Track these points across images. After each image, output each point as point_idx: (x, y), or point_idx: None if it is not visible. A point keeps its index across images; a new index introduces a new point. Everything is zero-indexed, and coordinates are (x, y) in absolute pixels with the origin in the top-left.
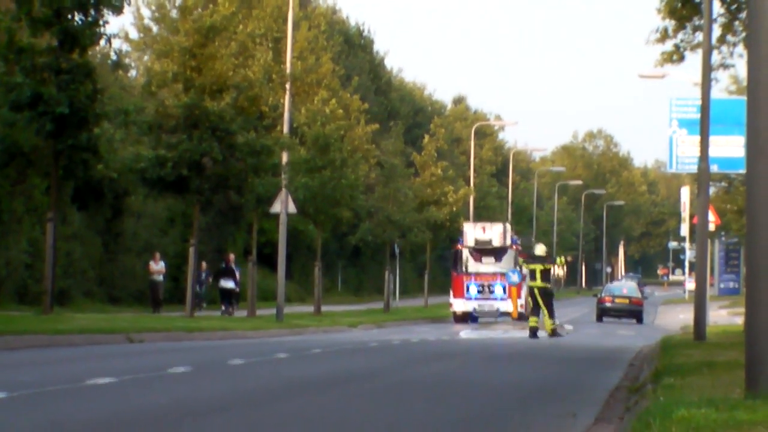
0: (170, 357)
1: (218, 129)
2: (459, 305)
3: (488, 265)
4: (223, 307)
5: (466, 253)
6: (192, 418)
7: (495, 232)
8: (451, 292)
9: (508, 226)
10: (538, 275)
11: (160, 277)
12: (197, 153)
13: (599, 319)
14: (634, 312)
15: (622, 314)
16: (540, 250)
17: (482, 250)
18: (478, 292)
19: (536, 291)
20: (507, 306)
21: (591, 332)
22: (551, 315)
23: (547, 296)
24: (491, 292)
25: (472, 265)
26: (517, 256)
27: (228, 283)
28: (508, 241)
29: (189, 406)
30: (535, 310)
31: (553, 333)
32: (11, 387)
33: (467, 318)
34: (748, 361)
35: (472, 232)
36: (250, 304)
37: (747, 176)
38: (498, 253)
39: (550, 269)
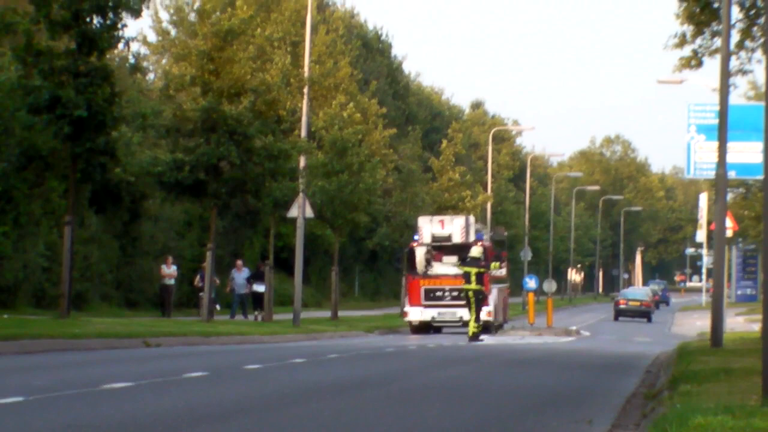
0: (187, 361)
1: (236, 133)
2: (415, 314)
3: (449, 265)
4: (255, 312)
5: (422, 252)
6: (208, 422)
7: (456, 227)
8: (406, 299)
9: (471, 219)
10: (473, 278)
11: (172, 281)
12: (215, 157)
13: (616, 318)
14: (644, 312)
15: (634, 314)
16: (476, 252)
17: (442, 248)
18: (438, 298)
19: (470, 294)
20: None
21: (608, 338)
22: (477, 319)
23: (480, 301)
24: (453, 298)
25: (430, 267)
26: (486, 254)
27: (260, 287)
28: (472, 237)
29: (205, 411)
30: (479, 313)
31: (474, 337)
32: (28, 391)
33: (427, 329)
34: (765, 368)
35: (429, 227)
36: (267, 309)
37: (765, 182)
38: (461, 251)
39: (485, 272)
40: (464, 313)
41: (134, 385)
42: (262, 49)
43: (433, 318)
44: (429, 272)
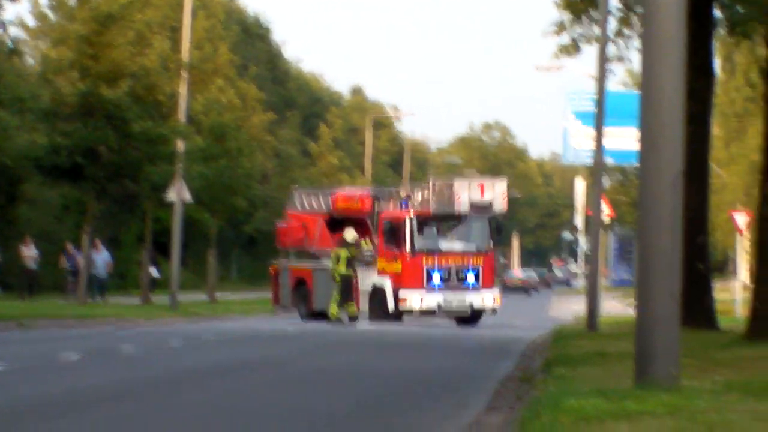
0: (62, 344)
1: (114, 117)
2: (416, 300)
3: (456, 241)
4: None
5: (412, 223)
6: (84, 406)
7: (497, 193)
8: (393, 281)
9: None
10: (342, 261)
11: (33, 263)
12: (93, 141)
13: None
14: (524, 288)
15: (517, 290)
16: (350, 236)
17: (441, 220)
18: (443, 280)
19: (338, 277)
20: (479, 299)
21: (486, 323)
22: (342, 302)
23: (347, 283)
24: (461, 279)
25: (432, 242)
26: (495, 225)
27: (153, 271)
28: (505, 205)
29: (79, 395)
30: (348, 297)
31: (336, 319)
32: None
33: (396, 317)
34: (638, 352)
35: (466, 193)
36: (144, 292)
37: (639, 169)
38: (467, 222)
39: (355, 255)
40: (474, 299)
41: (7, 369)
42: (141, 33)
43: (438, 305)
44: (431, 248)
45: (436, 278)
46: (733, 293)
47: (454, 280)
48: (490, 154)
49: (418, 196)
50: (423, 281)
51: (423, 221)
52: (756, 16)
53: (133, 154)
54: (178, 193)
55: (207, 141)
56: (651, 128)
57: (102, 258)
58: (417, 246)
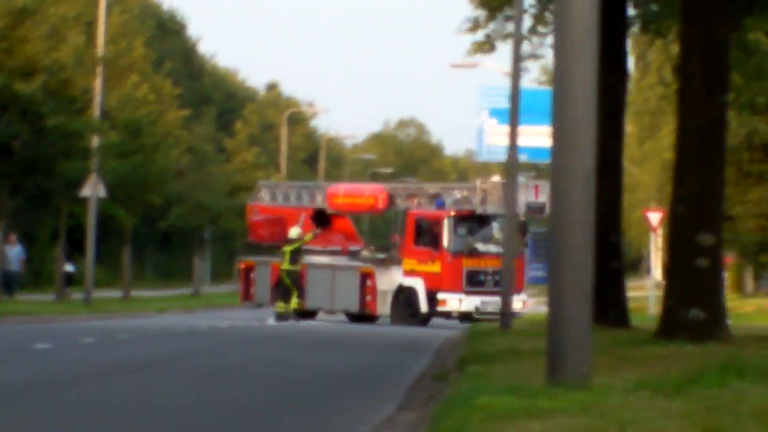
0: None
1: (28, 112)
2: (454, 301)
3: (489, 243)
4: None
5: (450, 223)
6: None
7: (547, 195)
8: (428, 282)
9: None
10: (287, 257)
11: None
12: (6, 136)
13: None
14: None
15: None
16: (294, 233)
17: (471, 221)
18: (481, 283)
19: (284, 273)
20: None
21: None
22: (301, 295)
23: (296, 279)
24: (497, 282)
25: (468, 243)
26: (521, 227)
27: (69, 267)
28: None
29: None
30: (284, 295)
31: (295, 315)
32: None
33: (425, 319)
34: (549, 350)
35: (522, 195)
36: (59, 289)
37: (552, 167)
38: (498, 224)
39: (299, 250)
40: None
41: None
42: (55, 28)
43: (476, 308)
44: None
45: (475, 280)
46: (647, 291)
47: (490, 282)
48: (405, 150)
49: (454, 195)
50: (462, 283)
51: (460, 221)
52: (669, 14)
53: (47, 149)
54: (93, 189)
55: (122, 136)
56: (563, 125)
57: (15, 253)
58: (455, 247)
